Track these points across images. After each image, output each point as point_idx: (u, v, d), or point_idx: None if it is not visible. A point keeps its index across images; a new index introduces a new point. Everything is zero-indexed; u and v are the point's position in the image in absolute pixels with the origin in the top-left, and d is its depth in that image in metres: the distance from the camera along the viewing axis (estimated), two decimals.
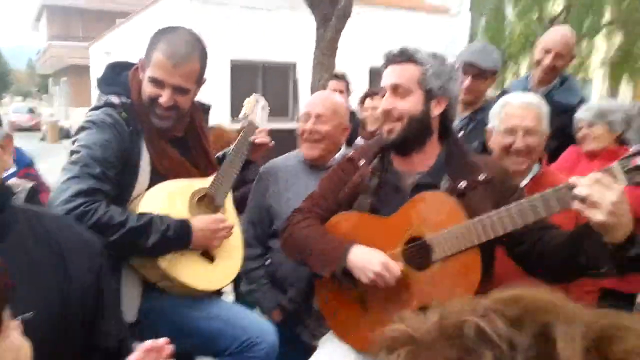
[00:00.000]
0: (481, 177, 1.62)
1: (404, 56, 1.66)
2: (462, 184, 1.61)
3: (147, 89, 1.85)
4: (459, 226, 1.52)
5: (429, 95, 1.65)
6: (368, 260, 1.58)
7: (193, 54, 1.87)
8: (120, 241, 1.67)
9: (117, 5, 30.46)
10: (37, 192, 1.76)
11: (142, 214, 1.76)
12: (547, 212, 1.41)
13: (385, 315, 1.63)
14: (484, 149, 2.47)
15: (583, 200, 1.30)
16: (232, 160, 2.08)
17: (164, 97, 1.83)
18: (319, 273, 1.70)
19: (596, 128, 2.63)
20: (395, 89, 1.66)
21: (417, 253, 1.61)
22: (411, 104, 1.65)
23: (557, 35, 2.92)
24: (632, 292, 2.61)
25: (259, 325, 1.95)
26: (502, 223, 1.45)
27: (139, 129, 1.85)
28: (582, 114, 2.70)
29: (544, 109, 2.04)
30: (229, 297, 2.24)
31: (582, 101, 2.95)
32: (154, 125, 1.88)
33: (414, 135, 1.68)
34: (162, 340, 1.09)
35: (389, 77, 1.69)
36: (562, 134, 2.72)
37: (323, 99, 2.36)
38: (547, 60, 2.85)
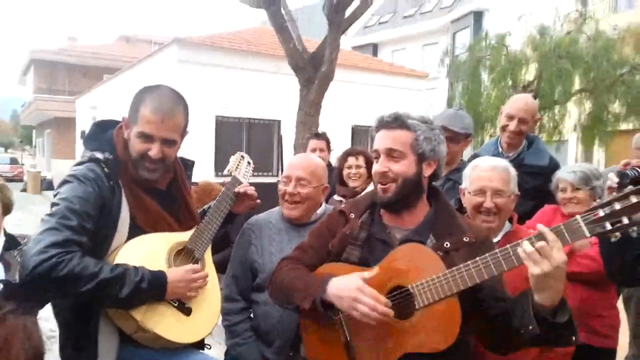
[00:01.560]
0: (466, 239, 1.71)
1: (397, 122, 1.74)
2: (447, 244, 1.70)
3: (137, 145, 1.92)
4: (439, 275, 1.59)
5: (421, 158, 1.75)
6: (344, 285, 1.62)
7: (178, 108, 1.97)
8: (94, 291, 1.67)
9: (104, 61, 31.06)
10: None
11: (116, 265, 1.76)
12: (508, 266, 1.51)
13: None
14: (460, 206, 2.60)
15: (528, 255, 1.42)
16: (213, 215, 2.11)
17: (154, 150, 1.90)
18: (300, 306, 1.73)
19: (580, 193, 2.69)
20: (390, 153, 1.74)
21: (401, 302, 1.64)
22: (405, 167, 1.73)
23: (519, 102, 3.12)
24: (607, 347, 2.60)
25: None
26: (478, 272, 1.54)
27: (120, 184, 1.90)
28: (567, 176, 2.75)
29: (511, 171, 2.20)
30: (214, 351, 2.22)
31: (552, 160, 3.10)
32: (137, 179, 1.94)
33: (407, 194, 1.76)
34: None
35: (383, 142, 1.75)
36: (537, 194, 2.85)
37: (303, 162, 2.42)
38: (512, 126, 3.03)
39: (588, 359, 2.39)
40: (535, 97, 11.16)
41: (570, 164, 3.21)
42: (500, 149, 3.15)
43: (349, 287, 1.61)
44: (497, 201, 2.13)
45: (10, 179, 26.84)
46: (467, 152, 3.26)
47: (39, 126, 36.56)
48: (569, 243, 1.43)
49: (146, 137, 1.90)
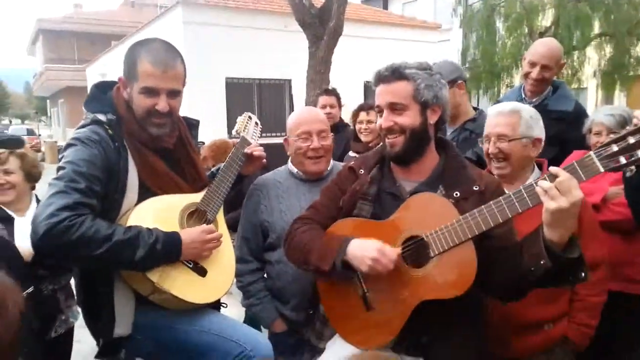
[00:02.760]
0: (475, 188, 1.71)
1: (395, 74, 1.72)
2: (456, 193, 1.70)
3: (142, 102, 1.87)
4: (452, 222, 1.59)
5: (425, 106, 1.73)
6: (364, 248, 1.63)
7: (176, 57, 1.92)
8: (107, 255, 1.65)
9: (111, 28, 30.84)
10: None
11: (129, 227, 1.74)
12: (522, 207, 1.50)
13: (388, 314, 1.68)
14: (479, 158, 2.54)
15: (546, 192, 1.42)
16: (223, 175, 2.09)
17: (161, 104, 1.87)
18: (320, 267, 1.74)
19: None
20: (393, 107, 1.72)
21: (415, 251, 1.66)
22: (410, 118, 1.72)
23: (542, 48, 3.00)
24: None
25: (253, 338, 1.92)
26: (492, 216, 1.54)
27: (126, 145, 1.87)
28: (605, 119, 2.67)
29: (523, 114, 2.11)
30: (234, 310, 2.25)
31: (577, 106, 3.01)
32: (144, 139, 1.91)
33: (415, 145, 1.75)
34: None
35: (384, 96, 1.74)
36: (560, 140, 2.76)
37: (316, 115, 2.41)
38: (534, 73, 2.93)
39: (624, 306, 2.36)
40: None
41: (607, 106, 3.09)
42: (523, 96, 3.05)
43: (369, 249, 1.62)
44: (501, 146, 2.07)
45: None
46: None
47: (52, 96, 36.75)
48: (583, 180, 1.42)
49: (151, 92, 1.86)
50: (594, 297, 2.09)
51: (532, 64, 2.94)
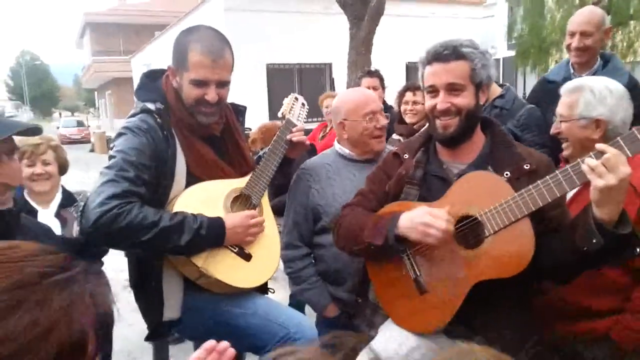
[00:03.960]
0: (526, 167, 1.65)
1: (453, 54, 1.65)
2: (507, 173, 1.64)
3: (192, 92, 1.88)
4: (507, 199, 1.54)
5: (479, 87, 1.70)
6: (414, 215, 1.61)
7: (225, 47, 1.92)
8: (154, 240, 1.70)
9: (154, 18, 31.38)
10: None
11: (175, 213, 1.78)
12: (580, 180, 1.46)
13: (442, 296, 1.64)
14: (512, 133, 2.46)
15: (593, 170, 1.39)
16: (268, 160, 2.08)
17: (210, 94, 1.87)
18: (372, 242, 1.71)
19: None
20: (451, 87, 1.66)
21: (469, 231, 1.63)
22: (467, 99, 1.67)
23: (579, 16, 2.89)
24: None
25: (297, 321, 1.94)
26: (549, 191, 1.50)
27: (174, 133, 1.89)
28: None
29: (586, 93, 1.97)
30: (279, 295, 2.25)
31: (632, 80, 2.85)
32: (192, 127, 1.93)
33: (468, 128, 1.72)
34: (225, 344, 1.09)
35: (441, 76, 1.67)
36: None
37: (373, 95, 2.41)
38: (575, 42, 2.82)
39: None
40: (607, 14, 10.27)
41: None
42: (572, 70, 2.91)
43: (418, 215, 1.59)
44: (560, 126, 2.00)
45: (78, 141, 28.32)
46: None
47: (100, 88, 37.93)
48: (629, 155, 1.39)
49: (200, 83, 1.87)
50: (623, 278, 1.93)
51: (572, 34, 2.84)
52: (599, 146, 1.40)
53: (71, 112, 71.38)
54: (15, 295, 0.66)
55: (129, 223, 1.65)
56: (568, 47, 2.89)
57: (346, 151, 2.34)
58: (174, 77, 1.92)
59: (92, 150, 23.47)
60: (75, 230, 2.46)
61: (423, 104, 3.44)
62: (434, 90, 1.70)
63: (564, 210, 1.65)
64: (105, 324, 0.74)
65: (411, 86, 3.63)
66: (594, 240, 1.42)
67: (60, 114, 60.79)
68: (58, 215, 2.51)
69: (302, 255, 2.33)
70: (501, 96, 2.83)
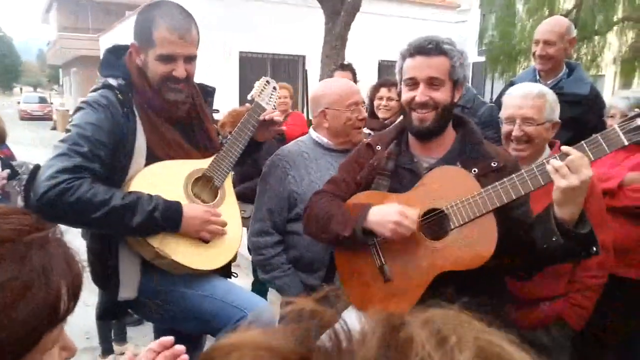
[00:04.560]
0: (493, 164, 1.70)
1: (436, 49, 1.70)
2: (475, 170, 1.69)
3: (159, 68, 1.85)
4: (473, 194, 1.60)
5: (455, 85, 1.75)
6: (385, 212, 1.64)
7: (191, 21, 1.90)
8: (104, 219, 1.66)
9: None
10: (39, 171, 1.77)
11: (129, 193, 1.74)
12: (544, 180, 1.52)
13: (405, 285, 1.69)
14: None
15: (557, 170, 1.45)
16: (233, 142, 2.04)
17: (179, 70, 1.85)
18: (340, 234, 1.74)
19: None
20: (431, 82, 1.71)
21: (435, 224, 1.68)
22: (444, 95, 1.72)
23: (544, 25, 3.01)
24: None
25: (255, 304, 1.93)
26: (514, 188, 1.55)
27: (135, 111, 1.85)
28: (618, 102, 2.70)
29: (549, 98, 2.09)
30: (241, 282, 2.25)
31: (593, 89, 2.96)
32: (156, 106, 1.88)
33: (443, 123, 1.76)
34: (181, 347, 1.06)
35: (423, 70, 1.71)
36: (576, 124, 2.72)
37: (355, 86, 2.45)
38: (538, 50, 2.92)
39: (627, 291, 2.35)
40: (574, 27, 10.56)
41: (624, 90, 3.10)
42: (538, 77, 3.01)
43: (390, 212, 1.62)
44: (527, 129, 2.05)
45: (40, 118, 27.40)
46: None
47: (65, 65, 36.69)
48: (592, 159, 1.46)
49: (168, 59, 1.83)
50: (592, 279, 2.08)
51: (537, 42, 2.95)
52: (565, 148, 1.46)
53: (33, 87, 68.87)
54: None
55: (77, 199, 1.61)
56: (534, 55, 2.99)
57: (324, 140, 2.36)
58: (138, 55, 1.88)
59: (54, 129, 22.75)
60: (19, 205, 2.39)
61: (397, 100, 3.52)
62: (414, 83, 1.73)
63: (528, 209, 1.71)
64: (76, 286, 0.74)
65: (386, 82, 3.69)
66: (554, 239, 1.48)
67: (21, 89, 58.58)
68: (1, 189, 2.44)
69: (274, 242, 2.32)
70: (461, 95, 2.92)
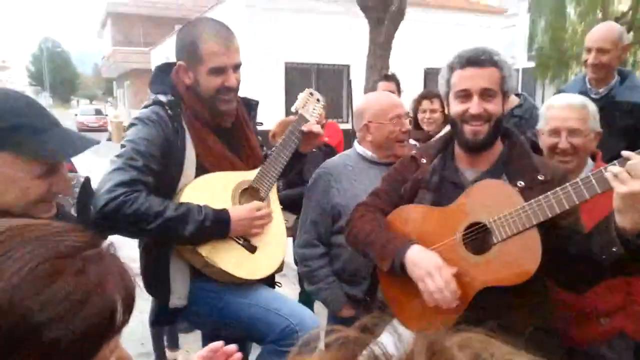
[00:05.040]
0: (540, 177, 1.66)
1: (489, 60, 1.69)
2: (520, 183, 1.66)
3: (212, 82, 1.91)
4: (517, 208, 1.56)
5: (505, 96, 1.73)
6: (424, 258, 1.63)
7: (230, 31, 1.96)
8: (159, 230, 1.74)
9: (176, 12, 31.55)
10: (89, 183, 1.85)
11: (181, 204, 1.81)
12: (590, 193, 1.46)
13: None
14: (533, 146, 2.47)
15: (616, 176, 1.38)
16: (278, 154, 2.09)
17: (230, 80, 1.92)
18: (379, 266, 1.75)
19: None
20: (485, 93, 1.69)
21: (477, 238, 1.66)
22: (497, 106, 1.71)
23: (596, 32, 2.89)
24: None
25: (299, 313, 1.95)
26: (558, 202, 1.50)
27: (184, 125, 1.93)
28: None
29: (590, 108, 2.05)
30: (287, 292, 2.27)
31: None
32: (206, 118, 1.96)
33: (495, 135, 1.75)
34: (233, 347, 1.11)
35: (477, 81, 1.69)
36: (630, 133, 2.64)
37: (399, 99, 2.45)
38: (591, 59, 2.82)
39: None
40: (629, 31, 10.15)
41: None
42: (588, 86, 2.91)
43: (429, 261, 1.61)
44: (573, 141, 2.01)
45: (96, 129, 28.57)
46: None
47: (119, 78, 38.22)
48: None
49: (219, 71, 1.90)
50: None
51: (589, 50, 2.85)
52: (625, 153, 1.41)
53: (89, 100, 72.04)
54: (56, 264, 0.70)
55: (134, 211, 1.69)
56: (585, 63, 2.90)
57: (368, 153, 2.37)
58: (186, 73, 1.95)
59: (109, 139, 23.68)
60: (72, 214, 2.50)
61: (441, 111, 3.48)
62: (466, 95, 1.71)
63: (577, 219, 1.65)
64: (130, 299, 0.77)
65: (428, 94, 3.65)
66: (614, 249, 1.41)
67: (78, 102, 61.37)
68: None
69: (319, 254, 2.35)
70: (519, 105, 2.87)
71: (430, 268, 1.59)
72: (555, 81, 13.13)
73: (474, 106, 1.68)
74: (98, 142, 1.47)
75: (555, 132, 2.04)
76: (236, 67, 1.94)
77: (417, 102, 3.69)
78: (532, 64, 14.44)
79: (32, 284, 0.67)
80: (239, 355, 1.11)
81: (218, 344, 1.10)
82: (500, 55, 1.71)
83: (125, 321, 0.77)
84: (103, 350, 0.73)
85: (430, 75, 14.09)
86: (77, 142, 1.32)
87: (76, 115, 33.15)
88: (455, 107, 1.73)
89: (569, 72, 12.82)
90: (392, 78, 4.28)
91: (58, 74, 65.33)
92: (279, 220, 2.10)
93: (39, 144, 1.23)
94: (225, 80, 1.91)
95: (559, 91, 3.08)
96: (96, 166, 2.83)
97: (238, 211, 1.91)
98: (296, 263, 2.51)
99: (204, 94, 1.94)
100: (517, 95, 3.00)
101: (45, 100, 54.78)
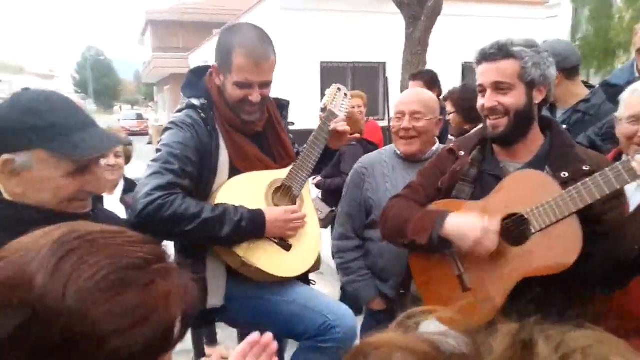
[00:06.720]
0: (585, 168, 1.60)
1: (501, 52, 1.65)
2: (564, 174, 1.61)
3: (235, 93, 1.94)
4: (555, 197, 1.52)
5: (531, 86, 1.67)
6: (466, 224, 1.61)
7: (268, 48, 1.95)
8: (196, 231, 1.76)
9: (213, 16, 32.06)
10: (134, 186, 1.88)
11: (217, 205, 1.84)
12: (631, 177, 1.41)
13: (486, 293, 1.63)
14: (591, 144, 2.33)
15: None
16: (309, 151, 2.09)
17: (254, 96, 1.93)
18: (416, 240, 1.72)
19: None
20: (497, 86, 1.67)
21: (515, 228, 1.62)
22: (515, 99, 1.66)
23: None
24: None
25: (336, 309, 1.96)
26: (598, 188, 1.45)
27: (217, 128, 1.94)
28: None
29: None
30: (325, 290, 2.27)
31: None
32: (235, 123, 1.98)
33: (519, 127, 1.70)
34: (268, 337, 1.12)
35: (488, 75, 1.68)
36: None
37: (414, 96, 2.38)
38: None
39: None
40: None
41: None
42: (637, 74, 2.76)
43: (474, 227, 1.58)
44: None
45: (137, 133, 29.35)
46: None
47: (159, 83, 39.18)
48: None
49: (244, 86, 1.91)
50: None
51: (637, 33, 2.68)
52: None
53: (131, 105, 74.13)
54: (128, 275, 0.70)
55: (172, 214, 1.72)
56: (638, 51, 2.74)
57: (399, 149, 2.35)
58: (218, 75, 1.98)
59: (149, 143, 24.27)
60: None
61: (454, 112, 3.40)
62: (482, 90, 1.71)
63: (622, 213, 1.59)
64: (189, 316, 0.78)
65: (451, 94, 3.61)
66: None
67: (120, 107, 63.26)
68: (122, 200, 2.69)
69: (353, 246, 2.37)
70: (586, 100, 2.66)
71: (477, 234, 1.57)
72: (602, 71, 12.67)
73: (486, 100, 1.69)
74: (130, 143, 1.50)
75: (637, 118, 1.91)
76: (264, 84, 1.94)
77: (443, 100, 3.66)
78: None
79: (102, 292, 0.67)
80: (275, 345, 1.12)
81: (255, 336, 1.11)
82: (523, 45, 1.65)
83: (181, 337, 0.77)
84: None
85: (468, 69, 13.83)
86: (106, 141, 1.35)
87: (119, 120, 34.15)
88: (479, 102, 1.74)
89: (615, 61, 12.35)
90: (418, 76, 4.23)
91: (101, 81, 67.55)
92: (312, 217, 2.11)
93: (69, 142, 1.25)
94: (249, 95, 1.92)
95: (604, 82, 2.92)
96: (139, 169, 2.94)
97: (273, 212, 1.92)
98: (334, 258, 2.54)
99: (229, 101, 1.96)
100: (590, 87, 2.83)
101: (89, 106, 56.79)
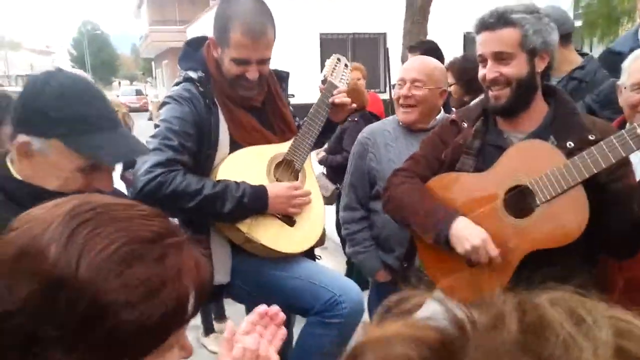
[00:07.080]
0: (591, 137, 1.56)
1: (500, 21, 1.60)
2: (570, 143, 1.57)
3: (232, 69, 1.90)
4: (559, 167, 1.49)
5: (533, 54, 1.62)
6: (470, 233, 1.59)
7: (267, 23, 1.89)
8: (198, 208, 1.75)
9: None
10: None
11: (218, 181, 1.82)
12: (638, 145, 1.39)
13: (492, 267, 1.61)
14: (589, 111, 2.31)
15: None
16: (310, 124, 2.06)
17: (251, 73, 1.89)
18: (422, 237, 1.72)
19: None
20: (498, 56, 1.63)
21: (520, 200, 1.60)
22: (517, 68, 1.62)
23: None
24: None
25: (342, 284, 1.96)
26: (604, 157, 1.43)
27: (216, 102, 1.92)
28: None
29: None
30: (330, 264, 2.29)
31: None
32: (234, 97, 1.94)
33: (522, 98, 1.67)
34: (275, 308, 1.12)
35: (488, 45, 1.64)
36: None
37: (418, 64, 2.35)
38: None
39: None
40: None
41: None
42: None
43: (474, 235, 1.57)
44: None
45: (137, 109, 29.18)
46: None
47: (157, 57, 38.77)
48: None
49: (241, 62, 1.87)
50: None
51: None
52: None
53: (130, 81, 73.59)
54: (140, 248, 0.70)
55: (173, 190, 1.71)
56: None
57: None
58: (215, 48, 1.93)
59: (150, 119, 24.15)
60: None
61: (454, 83, 3.35)
62: (483, 60, 1.67)
63: (630, 183, 1.57)
64: (203, 292, 0.77)
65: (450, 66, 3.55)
66: None
67: (119, 83, 62.79)
68: (122, 177, 2.66)
69: (358, 218, 2.38)
70: (581, 67, 2.64)
71: (476, 242, 1.56)
72: (605, 40, 12.48)
73: (487, 70, 1.65)
74: (148, 152, 1.50)
75: (638, 86, 1.86)
76: (262, 61, 1.90)
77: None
78: (579, 23, 13.76)
79: (115, 264, 0.68)
80: (282, 315, 1.13)
81: (262, 307, 1.12)
82: (523, 11, 1.60)
83: (195, 312, 0.77)
84: (170, 339, 0.74)
85: (469, 39, 13.64)
86: (122, 149, 1.32)
87: (118, 96, 33.97)
88: (480, 72, 1.70)
89: (619, 29, 12.15)
90: (415, 48, 4.16)
91: (98, 56, 66.86)
92: (316, 192, 2.09)
93: (84, 141, 1.24)
94: (246, 71, 1.88)
95: (607, 49, 2.86)
96: None
97: (276, 189, 1.91)
98: (339, 234, 2.55)
99: (226, 75, 1.93)
100: (583, 54, 2.78)
101: None
